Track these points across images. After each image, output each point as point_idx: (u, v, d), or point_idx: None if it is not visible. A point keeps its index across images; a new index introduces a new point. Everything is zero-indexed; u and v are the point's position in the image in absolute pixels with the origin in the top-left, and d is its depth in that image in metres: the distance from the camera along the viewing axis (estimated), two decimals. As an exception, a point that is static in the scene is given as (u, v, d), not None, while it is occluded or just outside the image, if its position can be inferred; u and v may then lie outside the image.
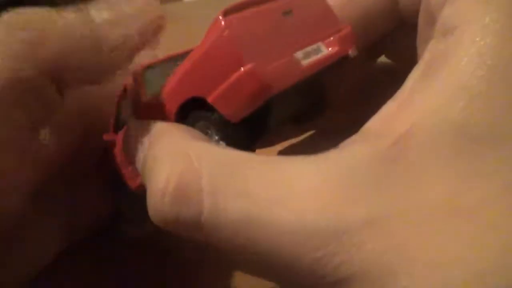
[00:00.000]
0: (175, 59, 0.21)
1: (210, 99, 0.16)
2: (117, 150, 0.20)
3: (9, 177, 0.17)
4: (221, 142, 0.16)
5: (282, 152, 0.25)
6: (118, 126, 0.21)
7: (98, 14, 0.17)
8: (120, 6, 0.17)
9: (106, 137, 0.22)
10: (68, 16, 0.16)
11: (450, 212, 0.11)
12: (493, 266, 0.10)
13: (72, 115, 0.20)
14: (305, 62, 0.16)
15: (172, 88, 0.17)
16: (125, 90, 0.21)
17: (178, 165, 0.14)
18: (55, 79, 0.17)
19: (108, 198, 0.23)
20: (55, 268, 0.21)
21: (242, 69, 0.15)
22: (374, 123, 0.14)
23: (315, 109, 0.21)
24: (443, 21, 0.14)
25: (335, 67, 0.18)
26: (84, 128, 0.21)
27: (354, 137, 0.14)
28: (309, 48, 0.17)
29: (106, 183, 0.23)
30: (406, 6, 0.18)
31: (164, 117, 0.18)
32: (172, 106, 0.17)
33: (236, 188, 0.13)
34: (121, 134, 0.20)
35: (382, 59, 0.23)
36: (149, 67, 0.20)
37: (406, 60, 0.18)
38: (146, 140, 0.17)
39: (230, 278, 0.24)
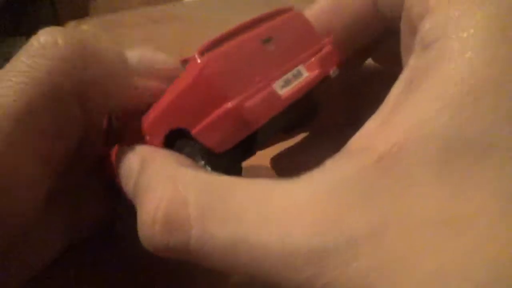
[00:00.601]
0: None
1: (193, 132, 0.16)
2: (112, 164, 0.20)
3: (27, 180, 0.17)
4: (207, 167, 0.17)
5: (276, 158, 0.25)
6: (110, 139, 0.21)
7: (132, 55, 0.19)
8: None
9: (99, 151, 0.22)
10: (107, 49, 0.18)
11: (441, 225, 0.11)
12: (492, 277, 0.10)
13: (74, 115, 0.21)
14: (285, 92, 0.16)
15: (156, 119, 0.18)
16: (111, 113, 0.21)
17: (166, 194, 0.14)
18: (81, 102, 0.18)
19: (106, 200, 0.23)
20: (55, 268, 0.21)
21: (224, 106, 0.15)
22: (357, 140, 0.14)
23: (304, 118, 0.21)
24: (423, 34, 0.14)
25: (317, 86, 0.18)
26: (84, 128, 0.21)
27: (338, 155, 0.14)
28: (289, 75, 0.17)
29: (103, 186, 0.23)
30: (386, 13, 0.18)
31: (152, 144, 0.18)
32: (158, 135, 0.18)
33: (222, 213, 0.14)
34: (116, 147, 0.20)
35: (370, 60, 0.23)
36: None
37: (392, 63, 0.18)
38: (135, 167, 0.17)
39: (226, 279, 0.24)
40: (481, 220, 0.11)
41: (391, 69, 0.18)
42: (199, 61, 0.15)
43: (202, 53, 0.15)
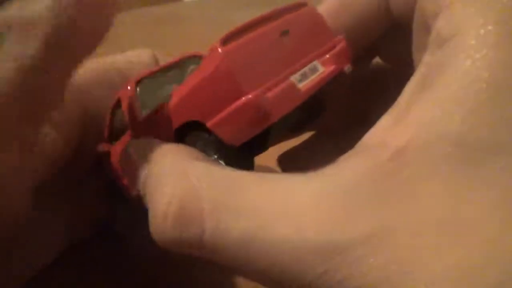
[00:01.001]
0: (166, 70, 0.21)
1: (209, 125, 0.16)
2: (114, 162, 0.20)
3: (14, 171, 0.17)
4: (220, 161, 0.16)
5: (282, 157, 0.25)
6: (112, 135, 0.21)
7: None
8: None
9: (101, 147, 0.22)
10: None
11: (452, 225, 0.11)
12: (499, 280, 0.10)
13: (72, 114, 0.20)
14: (303, 85, 0.16)
15: (170, 111, 0.17)
16: (118, 100, 0.21)
17: (179, 187, 0.14)
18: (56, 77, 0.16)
19: (106, 199, 0.23)
20: (55, 268, 0.21)
21: (242, 99, 0.15)
22: (370, 137, 0.14)
23: (312, 116, 0.21)
24: (438, 31, 0.14)
25: (331, 81, 0.18)
26: (83, 127, 0.21)
27: (351, 152, 0.14)
28: (306, 69, 0.17)
29: (103, 186, 0.23)
30: (398, 11, 0.18)
31: (162, 136, 0.18)
32: (170, 127, 0.18)
33: (236, 207, 0.13)
34: (117, 145, 0.20)
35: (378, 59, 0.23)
36: (141, 80, 0.20)
37: (399, 62, 0.18)
38: (146, 160, 0.17)
39: (227, 279, 0.24)
40: (490, 222, 0.11)
41: (398, 67, 0.18)
42: (220, 51, 0.15)
43: (223, 43, 0.15)
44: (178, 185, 0.14)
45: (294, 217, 0.13)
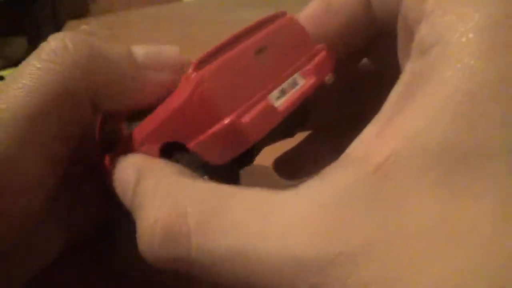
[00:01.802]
0: None
1: (191, 146, 0.16)
2: (107, 172, 0.20)
3: (34, 180, 0.17)
4: (205, 177, 0.16)
5: (278, 160, 0.25)
6: (104, 148, 0.21)
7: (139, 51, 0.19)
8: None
9: (94, 160, 0.22)
10: (114, 49, 0.18)
11: (440, 235, 0.11)
12: None
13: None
14: (281, 103, 0.16)
15: (150, 132, 0.18)
16: (104, 117, 0.21)
17: (165, 205, 0.14)
18: (92, 103, 0.18)
19: (105, 200, 0.23)
20: (55, 268, 0.21)
21: (219, 123, 0.15)
22: (355, 148, 0.14)
23: (298, 123, 0.21)
24: (420, 39, 0.13)
25: (311, 94, 0.18)
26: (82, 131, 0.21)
27: (336, 163, 0.14)
28: (285, 84, 0.17)
29: (102, 187, 0.23)
30: (382, 18, 0.18)
31: (149, 153, 0.18)
32: (153, 146, 0.18)
33: (221, 224, 0.13)
34: (112, 154, 0.20)
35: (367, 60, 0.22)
36: None
37: (387, 64, 0.18)
38: (132, 178, 0.17)
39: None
40: (480, 230, 0.11)
41: (386, 70, 0.17)
42: (193, 77, 0.15)
43: (196, 67, 0.15)
44: (164, 202, 0.14)
45: (280, 234, 0.13)
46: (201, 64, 0.15)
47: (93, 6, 1.52)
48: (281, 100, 0.16)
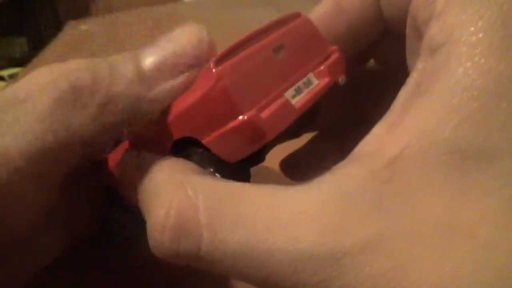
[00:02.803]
0: None
1: (205, 142, 0.16)
2: (112, 170, 0.20)
3: (33, 203, 0.17)
4: (216, 174, 0.17)
5: (284, 161, 0.25)
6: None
7: (145, 59, 0.17)
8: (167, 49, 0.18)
9: (94, 160, 0.22)
10: (117, 61, 0.17)
11: (447, 231, 0.11)
12: (497, 286, 0.10)
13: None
14: (297, 101, 0.16)
15: (165, 126, 0.17)
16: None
17: (176, 200, 0.14)
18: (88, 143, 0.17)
19: (105, 200, 0.23)
20: (55, 268, 0.21)
21: (237, 119, 0.15)
22: (365, 145, 0.14)
23: (307, 122, 0.21)
24: (430, 38, 0.13)
25: (325, 93, 0.18)
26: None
27: (346, 160, 0.14)
28: (300, 83, 0.17)
29: (101, 191, 0.23)
30: (391, 18, 0.18)
31: (159, 148, 0.18)
32: (166, 141, 0.18)
33: (232, 219, 0.14)
34: (114, 153, 0.20)
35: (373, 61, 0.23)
36: None
37: (394, 64, 0.18)
38: (143, 173, 0.17)
39: (227, 279, 0.24)
40: (487, 227, 0.11)
41: (392, 70, 0.17)
42: (214, 71, 0.15)
43: (217, 63, 0.15)
44: (175, 198, 0.15)
45: (290, 228, 0.13)
46: (221, 60, 0.15)
47: (93, 6, 1.53)
48: (297, 98, 0.17)
